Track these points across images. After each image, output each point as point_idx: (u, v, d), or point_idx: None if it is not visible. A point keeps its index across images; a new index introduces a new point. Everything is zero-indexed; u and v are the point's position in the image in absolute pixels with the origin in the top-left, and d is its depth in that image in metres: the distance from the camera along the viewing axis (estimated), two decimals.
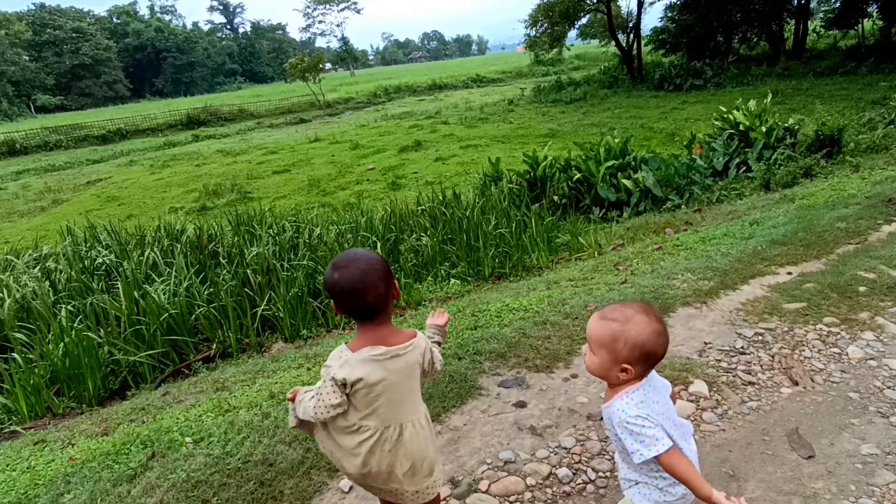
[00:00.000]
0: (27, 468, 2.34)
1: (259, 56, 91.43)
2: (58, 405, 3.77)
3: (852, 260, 3.24)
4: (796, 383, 2.24)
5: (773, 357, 2.42)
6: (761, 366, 2.37)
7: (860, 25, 23.95)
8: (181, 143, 23.30)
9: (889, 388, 2.17)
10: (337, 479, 1.97)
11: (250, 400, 2.65)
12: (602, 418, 1.73)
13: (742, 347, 2.50)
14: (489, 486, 1.87)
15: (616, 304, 1.38)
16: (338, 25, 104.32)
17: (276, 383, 2.78)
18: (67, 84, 62.17)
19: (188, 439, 2.31)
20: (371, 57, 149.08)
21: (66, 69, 61.43)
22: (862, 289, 2.89)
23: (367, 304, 1.42)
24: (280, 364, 3.46)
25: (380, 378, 1.44)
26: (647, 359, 1.31)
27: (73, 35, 61.68)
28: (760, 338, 2.56)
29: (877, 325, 2.58)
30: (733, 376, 2.32)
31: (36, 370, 3.88)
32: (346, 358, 1.45)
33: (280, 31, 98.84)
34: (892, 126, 9.38)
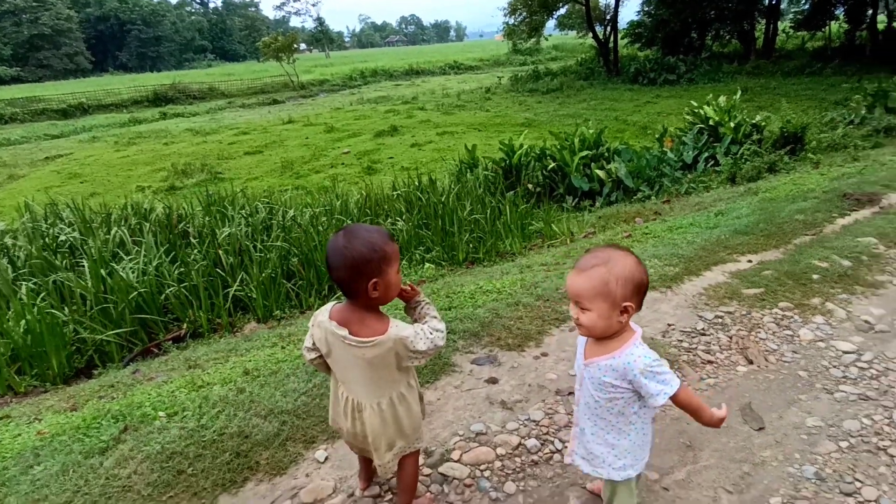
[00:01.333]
0: None
1: (230, 33, 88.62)
2: (19, 383, 3.67)
3: (808, 250, 3.42)
4: (751, 362, 2.38)
5: (731, 338, 2.55)
6: (720, 346, 2.50)
7: (827, 28, 24.78)
8: (148, 121, 22.53)
9: (834, 367, 2.33)
10: (313, 450, 2.01)
11: (224, 376, 2.65)
12: (568, 395, 1.75)
13: (703, 329, 2.64)
14: (461, 455, 1.94)
15: (585, 255, 1.35)
16: (313, 5, 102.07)
17: (250, 360, 2.79)
18: (24, 55, 59.12)
19: (161, 413, 2.30)
20: (347, 39, 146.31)
21: (24, 39, 58.39)
22: (815, 276, 3.06)
23: (332, 278, 1.44)
24: (253, 343, 3.45)
25: (332, 352, 1.49)
26: (639, 290, 1.32)
27: (33, 4, 58.53)
28: (720, 320, 2.70)
29: (827, 310, 2.75)
30: (693, 355, 2.44)
31: None
32: (318, 317, 1.51)
33: (253, 9, 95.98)
34: (850, 126, 9.81)
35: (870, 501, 1.68)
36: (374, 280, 1.40)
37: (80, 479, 1.91)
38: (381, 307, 1.50)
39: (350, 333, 1.43)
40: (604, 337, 1.36)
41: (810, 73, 19.86)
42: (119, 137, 17.74)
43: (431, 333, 1.47)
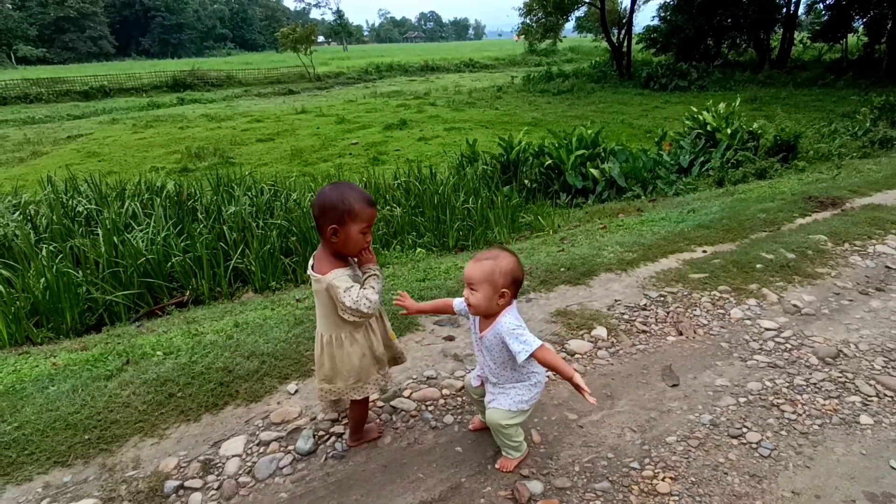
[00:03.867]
0: (13, 371, 2.65)
1: (251, 23, 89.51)
2: (36, 335, 4.04)
3: (760, 243, 3.68)
4: (681, 334, 2.66)
5: (668, 313, 2.83)
6: (656, 319, 2.79)
7: (845, 40, 24.66)
8: (165, 105, 23.08)
9: (754, 341, 2.60)
10: (285, 384, 2.33)
11: (217, 328, 2.99)
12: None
13: (645, 305, 2.92)
14: (411, 393, 2.26)
15: (481, 251, 1.77)
16: None
17: (241, 315, 3.12)
18: (51, 36, 60.33)
19: (159, 352, 2.64)
20: (366, 33, 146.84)
21: (51, 21, 59.58)
22: (759, 266, 3.32)
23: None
24: (247, 306, 3.79)
25: None
26: (515, 283, 1.71)
27: None
28: (662, 299, 2.98)
29: (761, 294, 3.02)
30: (631, 326, 2.73)
31: (17, 301, 4.14)
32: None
33: None
34: (850, 137, 9.94)
35: (752, 443, 1.97)
36: (334, 226, 1.64)
37: (87, 396, 2.25)
38: (350, 258, 1.76)
39: (312, 268, 1.74)
40: (488, 315, 1.74)
41: (823, 84, 19.84)
42: (137, 120, 18.27)
43: (359, 297, 1.64)
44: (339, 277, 1.66)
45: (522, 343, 1.66)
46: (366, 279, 1.73)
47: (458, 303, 1.91)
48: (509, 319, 1.71)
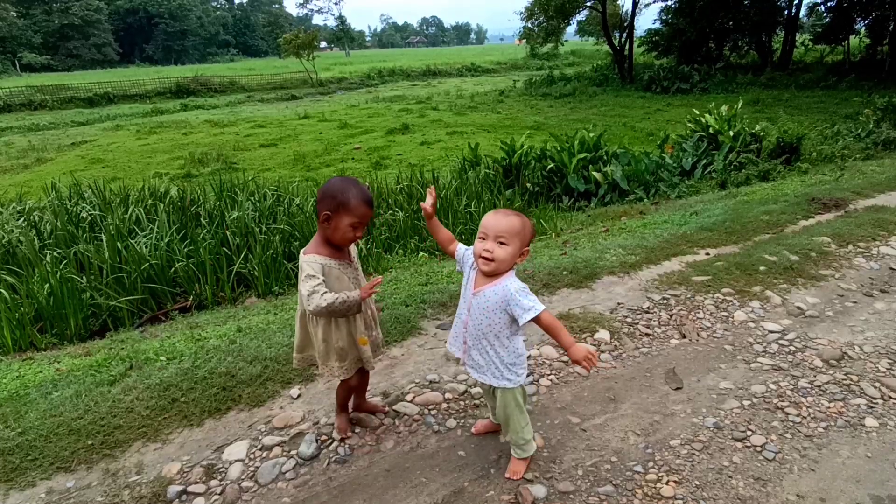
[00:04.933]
0: (17, 376, 2.66)
1: (254, 29, 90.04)
2: (40, 340, 4.06)
3: (763, 246, 3.67)
4: (685, 336, 2.65)
5: (671, 316, 2.83)
6: (659, 322, 2.78)
7: (847, 42, 24.62)
8: (169, 112, 23.20)
9: (758, 343, 2.59)
10: (288, 389, 2.33)
11: (220, 333, 2.99)
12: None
13: (648, 308, 2.91)
14: (414, 397, 2.25)
15: (497, 209, 1.74)
16: (335, 3, 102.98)
17: (244, 319, 3.13)
18: (55, 44, 60.78)
19: (162, 357, 2.65)
20: (368, 38, 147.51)
21: (55, 28, 60.05)
22: (762, 268, 3.31)
23: None
24: (250, 311, 3.79)
25: None
26: (530, 242, 1.72)
27: None
28: (665, 301, 2.98)
29: (765, 297, 3.01)
30: (634, 329, 2.72)
31: (21, 307, 4.16)
32: None
33: (277, 5, 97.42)
34: (854, 139, 9.90)
35: (756, 446, 1.96)
36: (327, 213, 1.75)
37: (91, 401, 2.25)
38: (346, 250, 1.85)
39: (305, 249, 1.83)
40: (496, 274, 1.68)
41: (825, 86, 19.80)
42: (141, 126, 18.37)
43: (311, 292, 1.68)
44: (310, 262, 1.75)
45: (532, 302, 1.62)
46: (340, 292, 1.73)
47: (463, 249, 1.83)
48: (515, 281, 1.68)
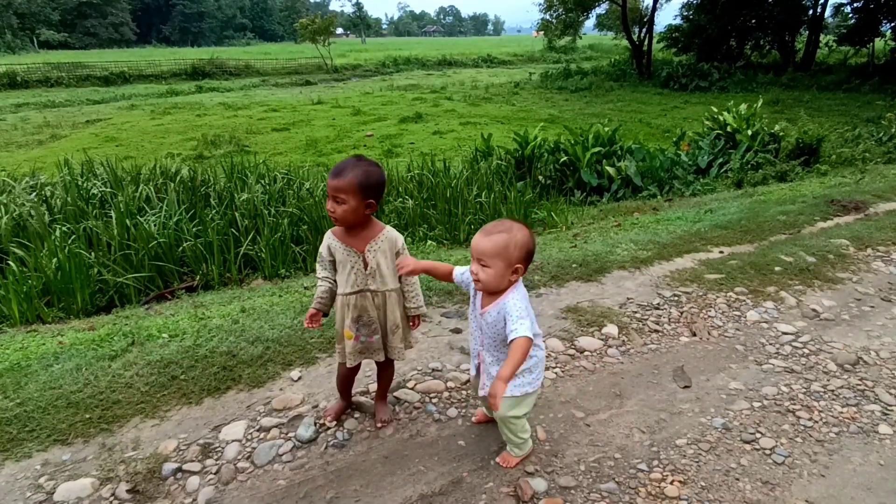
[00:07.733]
0: (20, 348, 2.65)
1: (270, 13, 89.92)
2: (47, 314, 4.07)
3: (779, 246, 3.58)
4: (695, 335, 2.59)
5: (681, 313, 2.76)
6: (669, 319, 2.72)
7: (872, 44, 24.06)
8: (184, 93, 23.24)
9: (770, 344, 2.52)
10: (289, 371, 2.31)
11: (223, 313, 2.97)
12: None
13: (658, 304, 2.85)
14: (415, 385, 2.22)
15: (490, 223, 1.63)
16: None
17: (249, 300, 3.11)
18: (73, 21, 61.06)
19: (165, 335, 2.63)
20: (385, 26, 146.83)
21: (73, 6, 60.31)
22: (777, 268, 3.23)
23: None
24: (255, 293, 3.78)
25: None
26: (529, 256, 1.60)
27: None
28: (676, 298, 2.91)
29: (779, 297, 2.93)
30: (643, 325, 2.66)
31: (29, 280, 4.18)
32: None
33: None
34: (875, 143, 9.68)
35: (765, 449, 1.90)
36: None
37: (91, 375, 2.24)
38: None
39: None
40: (495, 292, 1.62)
41: (847, 88, 19.39)
42: (155, 107, 18.42)
43: (316, 267, 1.88)
44: (324, 239, 1.84)
45: (515, 325, 1.53)
46: (336, 277, 1.85)
47: (459, 272, 1.77)
48: (516, 299, 1.59)
